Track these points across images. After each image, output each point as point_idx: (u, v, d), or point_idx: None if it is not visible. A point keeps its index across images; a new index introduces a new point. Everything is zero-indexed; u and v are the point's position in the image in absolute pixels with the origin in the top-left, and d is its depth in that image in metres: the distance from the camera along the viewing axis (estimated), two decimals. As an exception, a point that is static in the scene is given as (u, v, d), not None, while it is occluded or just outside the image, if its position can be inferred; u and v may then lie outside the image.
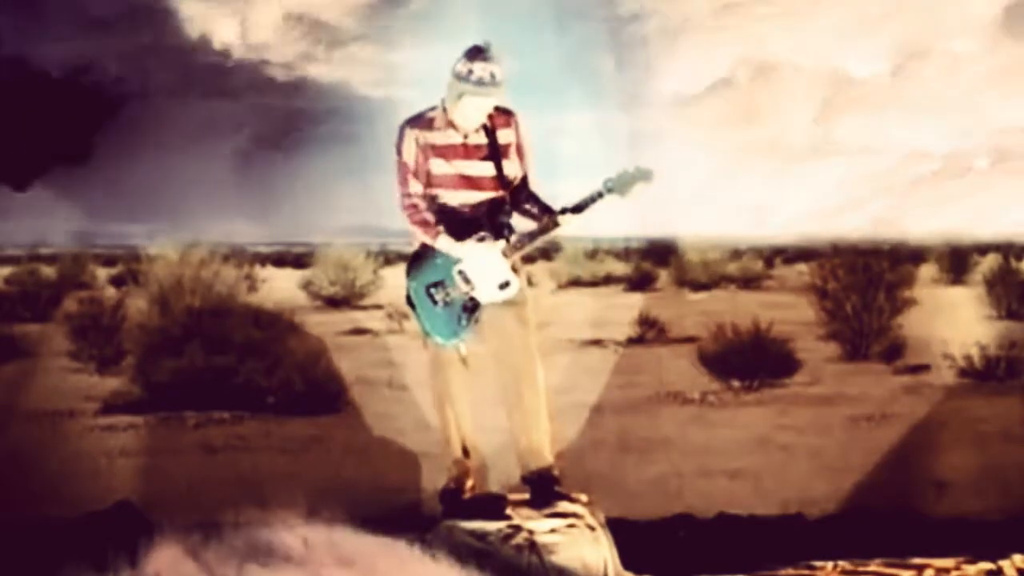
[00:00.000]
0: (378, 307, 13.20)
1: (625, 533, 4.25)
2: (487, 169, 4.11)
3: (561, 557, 3.86)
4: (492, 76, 3.98)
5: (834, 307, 10.88)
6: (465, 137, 4.09)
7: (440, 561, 3.61)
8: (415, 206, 4.09)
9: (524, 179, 4.19)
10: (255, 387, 8.23)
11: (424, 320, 4.11)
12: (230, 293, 10.49)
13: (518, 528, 3.90)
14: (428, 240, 4.07)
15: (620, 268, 18.92)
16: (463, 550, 3.77)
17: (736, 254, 19.07)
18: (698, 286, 16.48)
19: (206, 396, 8.13)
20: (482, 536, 3.88)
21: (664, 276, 18.09)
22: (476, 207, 4.11)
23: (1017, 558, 4.45)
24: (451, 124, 4.09)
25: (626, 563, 4.08)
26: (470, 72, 3.97)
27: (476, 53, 3.99)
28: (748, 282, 17.41)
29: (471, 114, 4.05)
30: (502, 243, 4.07)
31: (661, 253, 19.19)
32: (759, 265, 19.17)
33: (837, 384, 9.19)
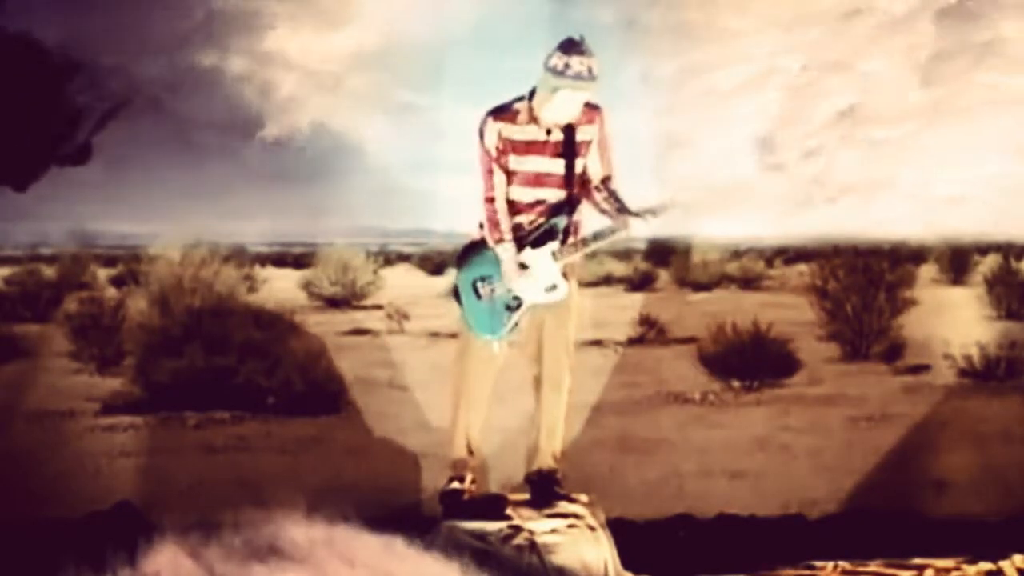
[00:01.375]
0: (378, 307, 13.18)
1: (625, 533, 4.25)
2: (557, 167, 4.06)
3: (561, 557, 3.86)
4: (590, 70, 3.92)
5: (834, 307, 10.87)
6: (548, 133, 4.03)
7: (440, 561, 3.61)
8: (493, 200, 4.04)
9: (606, 178, 4.13)
10: (255, 387, 8.23)
11: (467, 312, 4.09)
12: (230, 293, 10.47)
13: (518, 528, 3.91)
14: (490, 240, 4.04)
15: (620, 268, 18.89)
16: (463, 550, 3.77)
17: (736, 254, 19.03)
18: (698, 286, 16.45)
19: (206, 396, 8.12)
20: (482, 536, 3.88)
21: (664, 276, 18.06)
22: (536, 205, 4.07)
23: (1017, 558, 4.45)
24: (534, 119, 4.02)
25: (626, 563, 4.08)
26: (567, 66, 3.91)
27: (572, 47, 3.92)
28: (748, 282, 17.36)
29: (565, 109, 3.99)
30: (554, 244, 4.04)
31: (661, 253, 19.15)
32: (759, 265, 19.12)
33: (837, 384, 9.18)
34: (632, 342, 11.24)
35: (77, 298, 11.26)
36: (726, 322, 9.56)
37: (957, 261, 17.59)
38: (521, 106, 4.05)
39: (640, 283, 17.44)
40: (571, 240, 4.07)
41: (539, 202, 4.08)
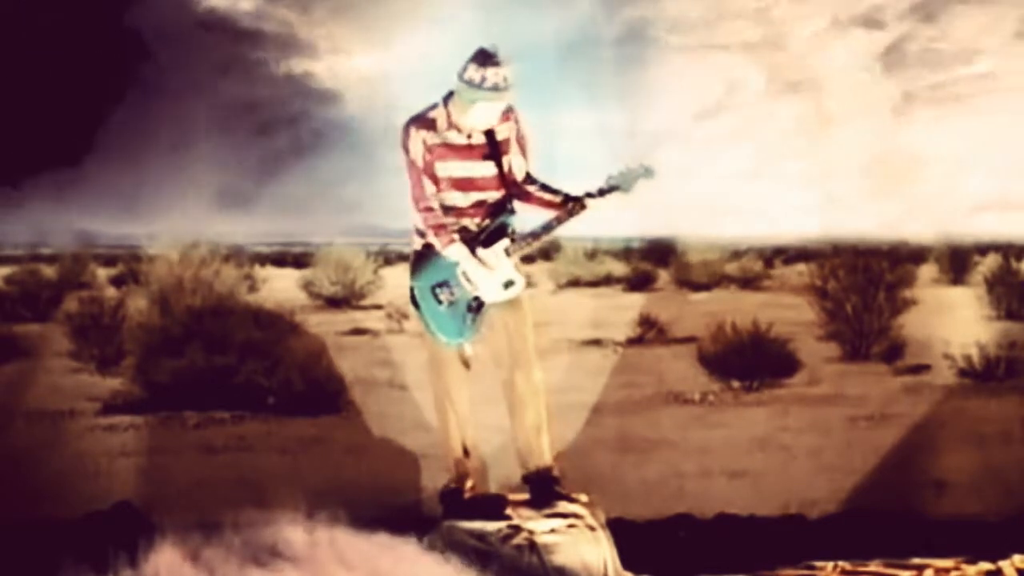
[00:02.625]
0: (378, 307, 13.18)
1: (625, 533, 4.25)
2: (488, 169, 4.10)
3: (561, 557, 3.86)
4: (505, 80, 3.96)
5: (834, 307, 10.87)
6: (469, 137, 4.07)
7: (440, 561, 3.61)
8: (430, 208, 4.06)
9: (528, 174, 4.18)
10: (255, 387, 8.23)
11: (429, 320, 4.10)
12: (230, 293, 10.48)
13: (518, 528, 3.90)
14: (438, 246, 4.05)
15: (620, 268, 18.89)
16: (463, 550, 3.77)
17: (736, 254, 19.02)
18: (698, 286, 16.45)
19: (206, 396, 8.13)
20: (482, 536, 3.88)
21: (664, 276, 18.06)
22: (477, 207, 4.10)
23: (1017, 558, 4.45)
24: (453, 125, 4.06)
25: (626, 563, 4.08)
26: (483, 79, 3.95)
27: (486, 58, 3.96)
28: (748, 282, 17.36)
29: (482, 118, 4.04)
30: (505, 241, 4.06)
31: (661, 253, 19.14)
32: (759, 265, 19.11)
33: (837, 384, 9.18)
34: (632, 342, 11.24)
35: (77, 298, 11.26)
36: (726, 322, 9.56)
37: (957, 261, 17.58)
38: (437, 113, 4.08)
39: (640, 283, 17.43)
40: (518, 235, 4.09)
41: (478, 204, 4.10)
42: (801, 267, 15.35)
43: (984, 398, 8.41)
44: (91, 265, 15.54)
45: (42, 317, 12.09)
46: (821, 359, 10.11)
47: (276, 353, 8.71)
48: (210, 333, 8.98)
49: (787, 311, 11.28)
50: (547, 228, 4.10)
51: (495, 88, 3.96)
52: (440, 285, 4.08)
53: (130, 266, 14.20)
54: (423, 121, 4.09)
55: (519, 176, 4.16)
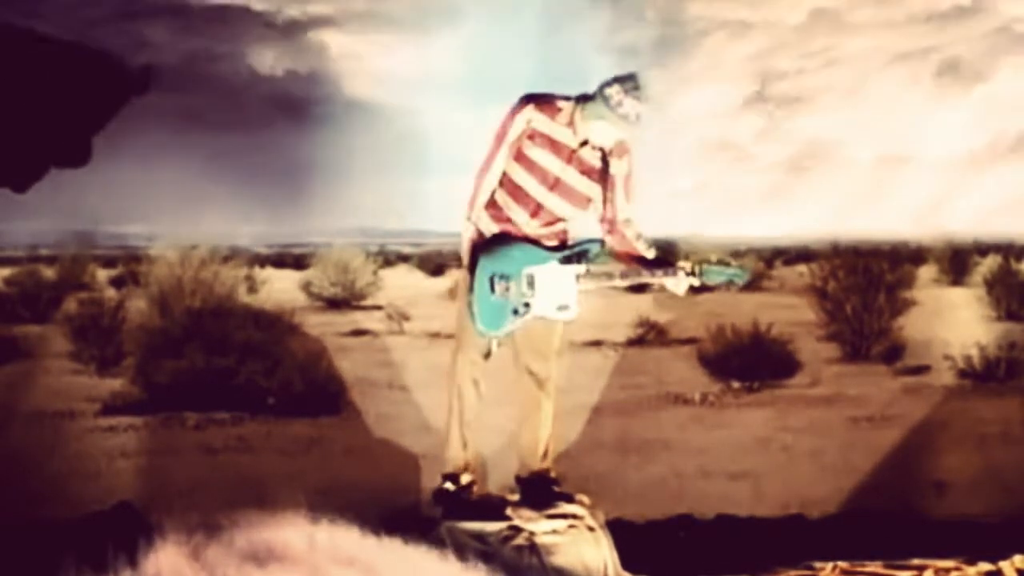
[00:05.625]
0: (378, 308, 13.19)
1: (625, 534, 4.25)
2: (582, 185, 4.03)
3: (561, 558, 3.86)
4: (638, 117, 3.91)
5: (834, 308, 10.88)
6: (581, 145, 3.99)
7: (440, 562, 3.61)
8: (483, 175, 4.03)
9: (629, 218, 4.12)
10: (255, 388, 8.23)
11: (475, 302, 4.03)
12: (230, 294, 10.49)
13: (518, 529, 3.90)
14: (466, 212, 4.05)
15: (620, 269, 18.88)
16: (463, 551, 3.77)
17: (736, 254, 19.03)
18: (698, 287, 16.47)
19: (206, 397, 8.13)
20: (482, 537, 3.88)
21: (664, 277, 18.04)
22: (547, 214, 4.04)
23: (1017, 559, 4.45)
24: (572, 125, 3.99)
25: (626, 564, 4.08)
26: (620, 104, 3.89)
27: (632, 87, 3.90)
28: (748, 283, 17.37)
29: (598, 137, 3.98)
30: (581, 268, 4.03)
31: (661, 253, 19.19)
32: (759, 266, 19.14)
33: (837, 385, 9.19)
34: (632, 343, 11.25)
35: (77, 299, 11.27)
36: (726, 323, 9.57)
37: (957, 262, 17.60)
38: (565, 105, 4.00)
39: (640, 284, 17.46)
40: (601, 270, 4.08)
41: (555, 215, 4.04)
42: (801, 268, 15.37)
43: (984, 399, 8.42)
44: (91, 266, 15.56)
45: (42, 318, 12.10)
46: (821, 360, 10.12)
47: (276, 354, 8.71)
48: (210, 334, 8.98)
49: (787, 312, 11.28)
50: (625, 276, 4.10)
51: (626, 118, 3.90)
52: (500, 276, 4.02)
53: (130, 267, 14.23)
54: (544, 103, 4.01)
55: (620, 216, 4.09)
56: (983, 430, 7.27)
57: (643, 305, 12.03)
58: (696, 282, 4.14)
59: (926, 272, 17.10)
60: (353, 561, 3.35)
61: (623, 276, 4.10)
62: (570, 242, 4.14)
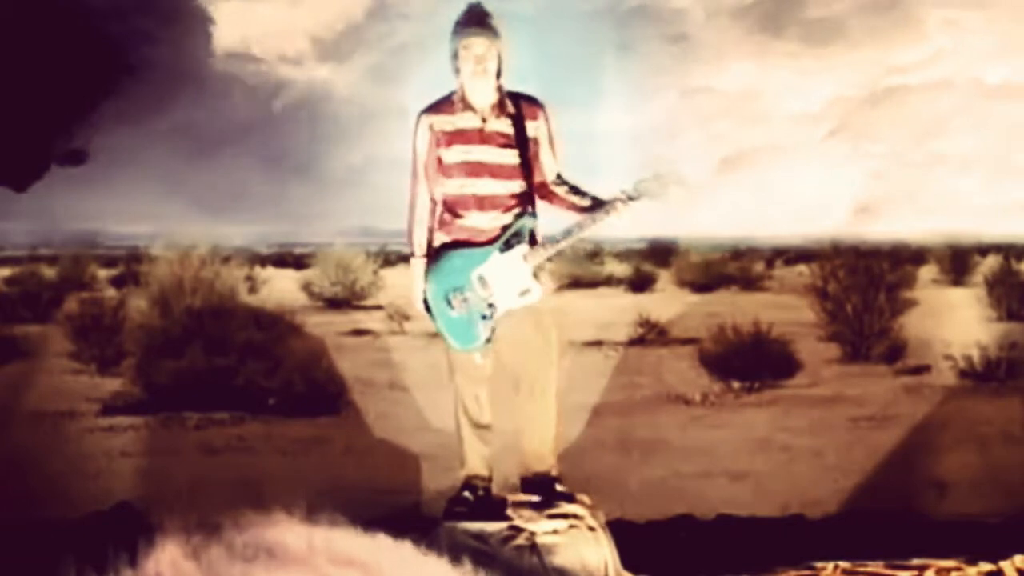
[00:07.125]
0: (378, 308, 13.19)
1: (625, 534, 4.24)
2: (507, 158, 3.93)
3: (561, 558, 3.86)
4: (485, 15, 3.86)
5: (835, 308, 10.87)
6: (484, 121, 3.93)
7: (440, 563, 3.60)
8: (413, 207, 3.99)
9: (559, 175, 4.04)
10: (256, 388, 8.23)
11: (442, 326, 3.98)
12: (231, 294, 10.48)
13: (519, 529, 3.90)
14: (409, 248, 4.01)
15: (620, 269, 18.91)
16: (463, 551, 3.77)
17: (736, 254, 19.03)
18: (698, 287, 16.46)
19: (207, 397, 8.13)
20: (482, 537, 3.88)
21: (664, 277, 18.08)
22: (492, 198, 3.94)
23: (1018, 559, 4.45)
24: (468, 106, 3.93)
25: (626, 564, 4.08)
26: (459, 25, 3.87)
27: (467, 28, 3.88)
28: (749, 283, 17.37)
29: (476, 98, 3.91)
30: (523, 247, 3.94)
31: (661, 254, 19.17)
32: (760, 266, 19.13)
33: (838, 385, 9.18)
34: (632, 343, 11.24)
35: (78, 299, 11.27)
36: (726, 323, 9.56)
37: (957, 262, 17.59)
38: (455, 96, 3.95)
39: (640, 284, 17.45)
40: (540, 241, 3.95)
41: (500, 197, 3.93)
42: (802, 268, 15.37)
43: (985, 399, 8.41)
44: (91, 266, 15.57)
45: (42, 318, 12.10)
46: (822, 360, 10.12)
47: (276, 354, 8.72)
48: (210, 334, 8.98)
49: (788, 312, 11.28)
50: (568, 234, 3.92)
51: (470, 23, 3.85)
52: (453, 291, 3.94)
53: (130, 267, 14.22)
54: (434, 106, 3.98)
55: (549, 177, 4.02)
56: (984, 430, 7.27)
57: (643, 305, 12.03)
58: (637, 202, 3.92)
59: (926, 272, 17.10)
60: (353, 561, 3.35)
61: (566, 235, 3.94)
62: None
